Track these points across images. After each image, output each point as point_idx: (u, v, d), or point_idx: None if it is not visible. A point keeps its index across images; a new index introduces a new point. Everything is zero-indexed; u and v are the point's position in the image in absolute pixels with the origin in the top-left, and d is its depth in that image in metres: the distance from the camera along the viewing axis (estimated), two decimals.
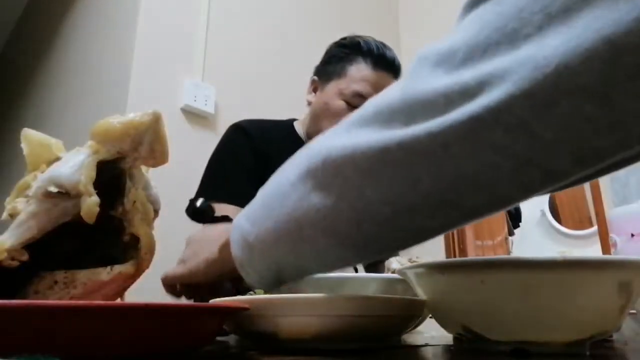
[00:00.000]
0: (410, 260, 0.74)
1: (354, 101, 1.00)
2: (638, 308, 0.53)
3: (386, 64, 1.04)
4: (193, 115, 1.92)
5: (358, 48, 1.05)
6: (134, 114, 0.39)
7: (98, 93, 2.07)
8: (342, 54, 1.07)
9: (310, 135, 1.08)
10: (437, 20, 3.09)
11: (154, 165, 0.42)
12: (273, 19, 2.35)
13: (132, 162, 0.40)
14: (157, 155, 0.40)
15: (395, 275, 0.48)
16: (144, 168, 0.42)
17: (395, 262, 0.74)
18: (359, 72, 1.02)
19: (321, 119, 1.03)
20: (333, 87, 1.03)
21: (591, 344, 0.37)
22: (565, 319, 0.34)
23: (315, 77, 1.10)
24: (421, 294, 0.42)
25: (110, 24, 2.14)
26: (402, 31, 3.26)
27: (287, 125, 1.12)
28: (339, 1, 2.75)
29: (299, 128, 1.11)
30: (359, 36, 1.08)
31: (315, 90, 1.09)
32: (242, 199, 0.75)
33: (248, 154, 1.00)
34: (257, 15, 2.29)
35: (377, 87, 1.02)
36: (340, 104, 1.01)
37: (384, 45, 1.07)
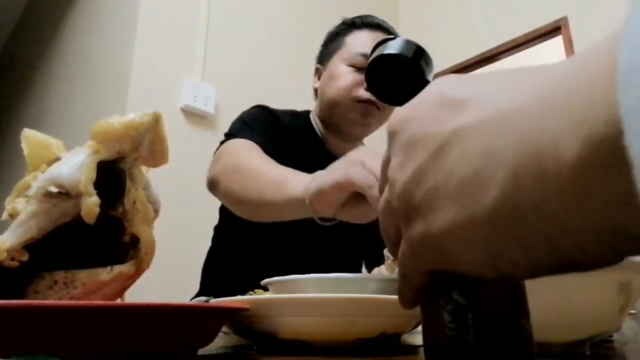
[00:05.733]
0: None
1: (358, 62, 0.98)
2: (638, 308, 0.53)
3: (383, 29, 1.04)
4: (193, 115, 1.92)
5: (353, 23, 1.06)
6: (134, 114, 0.39)
7: (98, 93, 2.07)
8: (339, 30, 1.08)
9: (322, 120, 1.06)
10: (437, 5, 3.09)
11: (154, 166, 0.42)
12: (273, 19, 2.35)
13: (132, 162, 0.40)
14: (157, 155, 0.40)
15: (396, 275, 0.48)
16: (144, 168, 0.42)
17: None
18: (357, 37, 1.02)
19: (328, 90, 1.01)
20: (335, 60, 1.03)
21: (591, 344, 0.37)
22: (565, 319, 0.34)
23: (318, 65, 1.10)
24: None
25: (110, 24, 2.14)
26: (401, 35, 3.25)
27: (304, 116, 1.11)
28: (340, 2, 2.74)
29: (313, 118, 1.10)
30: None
31: (320, 77, 1.08)
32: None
33: (271, 123, 0.99)
34: (257, 16, 2.29)
35: None
36: (344, 68, 0.99)
37: (382, 20, 1.08)
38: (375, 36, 1.01)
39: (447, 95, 0.19)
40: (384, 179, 0.22)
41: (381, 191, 0.23)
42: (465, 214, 0.16)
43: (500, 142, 0.15)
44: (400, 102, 0.35)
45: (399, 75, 0.34)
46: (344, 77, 0.99)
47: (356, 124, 1.00)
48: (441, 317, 0.19)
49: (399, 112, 0.21)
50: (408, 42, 0.34)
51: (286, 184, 0.65)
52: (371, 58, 0.34)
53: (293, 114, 1.08)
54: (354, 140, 1.07)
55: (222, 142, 0.92)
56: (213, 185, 0.84)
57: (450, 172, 0.17)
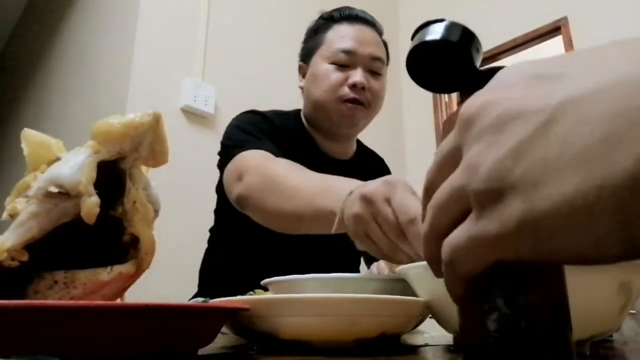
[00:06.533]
0: None
1: (340, 59, 0.96)
2: (638, 308, 0.53)
3: (363, 20, 1.01)
4: (193, 115, 1.92)
5: (331, 17, 1.03)
6: (134, 114, 0.39)
7: (98, 93, 2.07)
8: (318, 26, 1.05)
9: (308, 119, 1.05)
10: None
11: (154, 166, 0.42)
12: (273, 19, 2.35)
13: (132, 163, 0.40)
14: (157, 155, 0.40)
15: (396, 275, 0.48)
16: (144, 168, 0.42)
17: None
18: (337, 32, 1.00)
19: (312, 91, 0.99)
20: (316, 58, 1.00)
21: (591, 344, 0.37)
22: None
23: (301, 63, 1.07)
24: (421, 294, 0.42)
25: (110, 24, 2.14)
26: (401, 35, 3.26)
27: (294, 115, 1.09)
28: (339, 2, 2.75)
29: (303, 117, 1.08)
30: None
31: (304, 75, 1.05)
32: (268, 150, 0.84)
33: (266, 126, 0.97)
34: (257, 16, 2.29)
35: (359, 40, 0.98)
36: (326, 67, 0.97)
37: (361, 10, 1.05)
38: (356, 29, 0.99)
39: (541, 72, 0.17)
40: (436, 168, 0.21)
41: (430, 191, 0.21)
42: (592, 181, 0.15)
43: (635, 102, 0.14)
44: (447, 90, 0.33)
45: (444, 62, 0.31)
46: (327, 76, 0.96)
47: (343, 125, 0.98)
48: (484, 324, 0.18)
49: (477, 98, 0.19)
50: (453, 25, 0.31)
51: (324, 200, 0.65)
52: (412, 45, 0.32)
53: (283, 114, 1.07)
54: (344, 140, 1.06)
55: (227, 155, 0.89)
56: (242, 203, 0.82)
57: (567, 140, 0.15)
